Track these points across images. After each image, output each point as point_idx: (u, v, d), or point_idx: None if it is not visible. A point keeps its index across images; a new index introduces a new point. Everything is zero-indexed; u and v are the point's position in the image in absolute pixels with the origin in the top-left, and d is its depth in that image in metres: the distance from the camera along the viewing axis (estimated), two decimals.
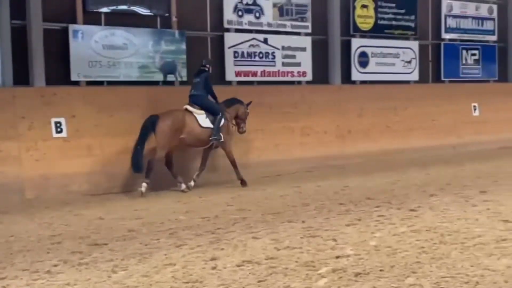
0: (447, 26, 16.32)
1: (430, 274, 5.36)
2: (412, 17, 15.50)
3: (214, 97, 10.83)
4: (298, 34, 13.73)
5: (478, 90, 16.59)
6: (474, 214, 7.94)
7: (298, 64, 13.63)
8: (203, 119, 10.56)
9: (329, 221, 7.82)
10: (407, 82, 15.68)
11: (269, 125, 12.66)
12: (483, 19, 17.03)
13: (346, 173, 12.37)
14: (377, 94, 14.53)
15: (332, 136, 13.59)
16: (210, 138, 10.57)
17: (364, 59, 14.71)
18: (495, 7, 17.29)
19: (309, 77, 13.86)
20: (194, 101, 10.64)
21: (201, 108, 10.63)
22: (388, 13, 15.06)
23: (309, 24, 13.79)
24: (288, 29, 13.53)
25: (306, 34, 13.85)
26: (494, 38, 17.32)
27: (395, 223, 7.53)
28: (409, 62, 15.48)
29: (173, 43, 12.06)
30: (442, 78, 16.37)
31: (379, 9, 14.89)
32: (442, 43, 16.29)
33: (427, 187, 10.35)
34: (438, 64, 16.34)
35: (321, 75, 14.19)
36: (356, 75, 14.65)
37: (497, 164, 13.32)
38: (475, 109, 16.20)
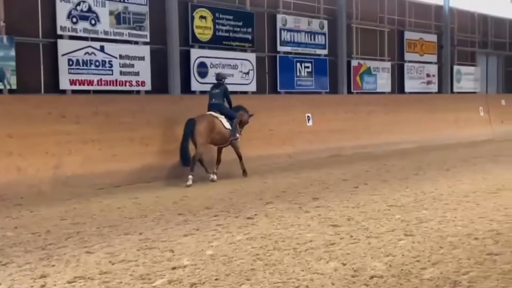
0: (282, 39, 17.00)
1: (263, 281, 5.47)
2: (249, 30, 15.94)
3: (230, 105, 13.11)
4: (136, 43, 13.53)
5: (311, 101, 17.40)
6: (307, 220, 8.27)
7: (137, 74, 13.44)
8: (226, 122, 12.75)
9: (167, 232, 7.73)
10: (245, 92, 16.06)
11: (106, 135, 12.29)
12: (315, 33, 17.95)
13: (185, 183, 12.33)
14: None
15: (172, 145, 13.47)
16: (231, 138, 12.90)
17: (203, 70, 14.85)
18: (325, 22, 18.32)
19: (148, 86, 13.70)
20: (215, 108, 12.77)
21: (221, 114, 12.72)
22: (226, 25, 15.36)
23: (147, 33, 13.66)
24: (126, 38, 13.30)
25: (145, 43, 13.71)
26: (325, 51, 18.31)
27: (232, 232, 7.62)
28: (247, 73, 15.88)
29: (1, 49, 11.33)
30: (278, 89, 17.00)
31: (217, 21, 15.14)
32: (278, 55, 16.93)
33: (264, 195, 10.61)
34: (274, 75, 16.95)
35: (160, 85, 14.10)
36: (195, 85, 14.74)
37: (328, 171, 14.02)
38: (308, 119, 16.95)
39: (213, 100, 12.87)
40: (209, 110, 12.80)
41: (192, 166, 12.18)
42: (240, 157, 13.26)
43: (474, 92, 24.97)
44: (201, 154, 12.57)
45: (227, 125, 12.83)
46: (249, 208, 9.31)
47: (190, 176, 12.00)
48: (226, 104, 13.04)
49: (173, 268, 5.95)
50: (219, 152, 13.19)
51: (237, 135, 13.09)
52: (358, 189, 11.14)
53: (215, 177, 12.75)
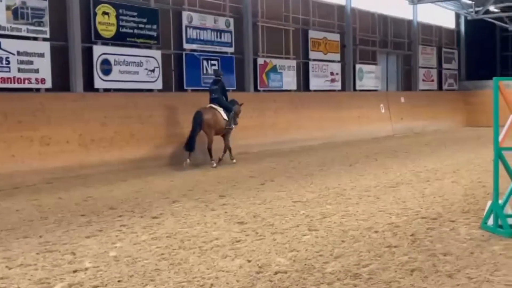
0: (188, 36, 16.87)
1: (168, 281, 5.42)
2: (154, 27, 15.71)
3: (227, 99, 15.11)
4: (36, 39, 13.02)
5: None
6: (213, 218, 8.26)
7: (36, 71, 12.92)
8: (224, 114, 14.76)
9: (69, 234, 7.51)
10: (151, 90, 15.83)
11: (4, 135, 11.78)
12: (221, 31, 17.95)
13: (90, 183, 12.02)
14: (121, 102, 14.44)
15: (74, 145, 13.12)
16: (227, 127, 14.89)
17: (107, 67, 14.49)
18: (231, 20, 18.35)
19: (48, 84, 13.22)
20: (215, 101, 14.79)
21: (220, 106, 14.74)
22: (130, 22, 15.05)
23: (47, 29, 13.16)
24: (24, 34, 12.75)
25: (44, 40, 13.20)
26: (231, 49, 18.35)
27: (136, 232, 7.50)
28: (153, 71, 15.64)
29: None
30: (185, 87, 16.87)
31: (121, 17, 14.81)
32: (184, 53, 16.80)
33: (170, 194, 10.52)
34: (180, 73, 16.81)
35: (62, 82, 13.64)
36: (99, 83, 14.37)
37: (236, 168, 14.10)
38: None
39: (213, 95, 14.85)
40: (210, 103, 14.80)
41: (210, 155, 14.54)
42: (228, 147, 15.19)
43: (376, 90, 25.82)
44: (211, 143, 14.56)
45: (225, 116, 14.80)
46: (155, 208, 9.20)
47: (213, 161, 14.45)
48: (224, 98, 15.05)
49: (74, 271, 5.78)
50: (225, 139, 15.23)
51: (233, 125, 15.14)
52: (264, 186, 11.26)
53: (214, 164, 14.49)
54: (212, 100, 14.87)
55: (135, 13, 15.18)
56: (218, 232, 7.40)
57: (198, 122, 14.25)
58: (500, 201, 6.99)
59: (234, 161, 15.11)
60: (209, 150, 14.56)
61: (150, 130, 14.80)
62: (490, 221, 7.09)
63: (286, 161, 15.56)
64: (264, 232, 7.34)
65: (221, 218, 8.30)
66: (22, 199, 10.29)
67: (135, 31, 15.21)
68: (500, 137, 6.88)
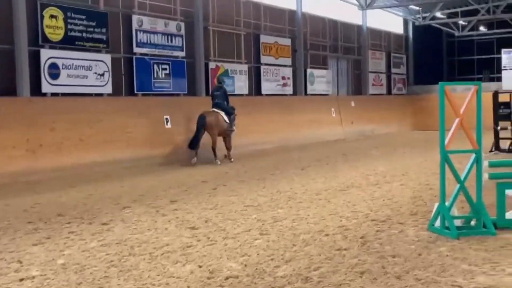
0: (138, 40, 16.72)
1: None
2: (104, 30, 15.51)
3: (228, 103, 16.39)
4: None
5: (169, 103, 17.29)
6: (164, 224, 8.18)
7: None
8: (225, 117, 16.05)
9: (15, 241, 7.32)
10: (101, 94, 15.61)
11: None
12: (172, 35, 17.84)
13: (38, 189, 11.75)
14: (70, 107, 14.20)
15: (21, 150, 12.82)
16: (229, 129, 16.25)
17: (55, 71, 14.23)
18: (182, 24, 18.27)
19: None
20: (218, 106, 16.08)
21: (222, 110, 16.03)
22: (78, 25, 14.82)
23: None
24: None
25: None
26: (182, 53, 18.26)
27: (85, 239, 7.36)
28: (102, 75, 15.43)
29: None
30: (135, 91, 16.70)
31: (69, 20, 14.56)
32: (134, 57, 16.63)
33: (121, 200, 10.36)
34: (131, 77, 16.63)
35: (7, 86, 13.31)
36: (46, 87, 14.09)
37: (187, 173, 14.00)
38: (167, 121, 16.82)
39: (216, 100, 16.15)
40: (212, 108, 16.07)
41: (214, 154, 15.82)
42: (229, 148, 16.53)
43: (326, 94, 26.09)
44: (215, 143, 15.84)
45: (226, 119, 16.08)
46: (104, 214, 9.05)
47: (217, 161, 15.70)
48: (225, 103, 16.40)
49: (21, 280, 5.64)
50: (226, 141, 16.51)
51: (234, 127, 16.45)
52: (216, 191, 11.22)
53: (219, 162, 15.76)
54: (214, 105, 16.14)
55: (83, 17, 14.95)
56: (169, 238, 7.33)
57: (201, 124, 15.48)
58: (447, 203, 7.14)
59: (232, 160, 16.34)
60: (214, 149, 15.81)
61: (99, 134, 14.58)
62: (437, 223, 7.24)
63: (239, 165, 15.55)
64: (215, 237, 7.31)
65: (172, 223, 8.23)
66: None
67: (84, 34, 14.98)
68: (446, 141, 7.03)
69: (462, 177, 7.19)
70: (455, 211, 7.36)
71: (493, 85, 27.35)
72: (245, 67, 21.08)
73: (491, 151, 16.42)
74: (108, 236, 7.48)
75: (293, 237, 7.21)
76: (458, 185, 7.21)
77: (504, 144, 17.01)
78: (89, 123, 14.42)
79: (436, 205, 7.33)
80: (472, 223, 7.29)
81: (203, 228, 7.89)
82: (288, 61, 23.42)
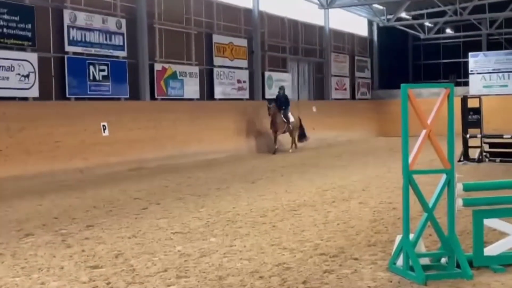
0: (71, 38, 14.97)
1: None
2: (29, 26, 13.74)
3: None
4: None
5: (108, 108, 15.58)
6: (63, 260, 6.56)
7: None
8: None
9: None
10: (25, 98, 13.81)
11: None
12: (111, 33, 16.13)
13: None
14: None
15: None
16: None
17: None
18: (123, 21, 16.59)
19: None
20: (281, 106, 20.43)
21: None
22: None
23: None
24: None
25: None
26: (123, 53, 16.58)
27: None
28: (27, 76, 13.66)
29: None
30: (68, 95, 14.94)
31: None
32: (66, 56, 14.88)
33: (28, 223, 8.74)
34: (62, 79, 14.87)
35: None
36: None
37: (122, 188, 12.34)
38: (104, 129, 15.10)
39: (278, 102, 20.89)
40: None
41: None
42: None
43: None
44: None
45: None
46: None
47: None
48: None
49: None
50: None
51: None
52: (146, 211, 9.64)
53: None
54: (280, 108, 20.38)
55: (4, 10, 13.20)
56: (58, 283, 5.72)
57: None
58: (411, 237, 5.64)
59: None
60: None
61: (21, 145, 12.79)
62: (400, 261, 5.73)
63: (183, 177, 13.98)
64: (118, 282, 5.71)
65: (73, 259, 6.60)
66: None
67: (5, 30, 13.22)
68: (410, 159, 5.52)
69: (430, 204, 5.70)
70: (422, 247, 5.88)
71: (460, 90, 26.29)
72: (196, 69, 19.47)
73: (459, 160, 15.10)
74: None
75: (217, 282, 5.65)
76: (425, 214, 5.71)
77: (473, 154, 15.72)
78: (8, 131, 12.61)
79: (398, 238, 5.82)
80: (443, 261, 5.81)
81: (109, 266, 6.27)
82: (244, 63, 21.90)
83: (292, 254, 6.62)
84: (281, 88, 21.23)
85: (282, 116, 20.36)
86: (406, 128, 5.55)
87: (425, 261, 5.75)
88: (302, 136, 21.60)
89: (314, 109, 25.50)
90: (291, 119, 20.72)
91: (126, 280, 5.78)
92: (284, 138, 21.51)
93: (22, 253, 6.95)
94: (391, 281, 5.52)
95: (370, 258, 6.35)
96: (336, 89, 28.87)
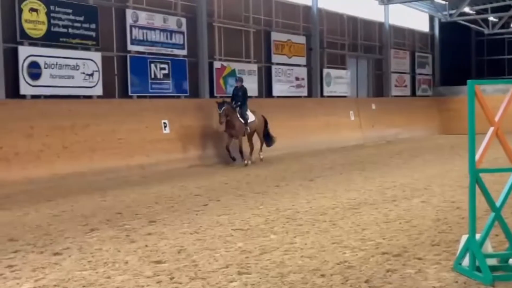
0: (133, 37, 15.25)
1: None
2: (93, 26, 14.07)
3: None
4: None
5: (168, 106, 15.80)
6: (127, 255, 6.69)
7: None
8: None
9: None
10: (89, 97, 14.16)
11: None
12: (172, 32, 16.35)
13: (7, 204, 10.35)
14: (52, 110, 12.78)
15: None
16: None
17: (35, 70, 12.83)
18: (184, 20, 16.77)
19: None
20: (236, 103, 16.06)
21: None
22: (63, 20, 13.41)
23: None
24: None
25: None
26: (184, 52, 16.77)
27: (21, 277, 5.92)
28: (91, 75, 13.99)
29: None
30: (130, 93, 15.23)
31: (52, 15, 13.17)
32: (128, 55, 15.17)
33: (92, 219, 8.93)
34: (125, 78, 15.17)
35: None
36: (26, 89, 12.71)
37: (182, 184, 12.50)
38: (165, 126, 15.33)
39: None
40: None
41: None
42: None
43: (345, 96, 24.43)
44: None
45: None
46: (64, 239, 7.60)
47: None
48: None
49: None
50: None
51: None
52: (206, 208, 9.73)
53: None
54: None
55: (69, 11, 13.55)
56: (123, 278, 5.82)
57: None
58: (478, 236, 5.50)
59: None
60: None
61: (86, 141, 13.12)
62: (466, 262, 5.59)
63: (242, 174, 14.03)
64: (181, 277, 5.78)
65: (137, 254, 6.72)
66: None
67: (70, 30, 13.57)
68: (477, 157, 5.38)
69: (498, 203, 5.54)
70: (488, 247, 5.71)
71: None
72: (254, 67, 19.52)
73: None
74: (51, 274, 6.01)
75: (279, 279, 5.64)
76: (492, 214, 5.55)
77: None
78: (74, 128, 12.95)
79: (464, 238, 5.68)
80: (511, 262, 5.63)
81: (172, 262, 6.36)
82: (303, 61, 21.81)
83: (353, 252, 6.56)
84: (239, 80, 16.52)
85: (238, 115, 15.79)
86: (473, 126, 5.40)
87: (492, 262, 5.59)
88: (268, 139, 16.90)
89: (373, 107, 25.18)
90: (250, 118, 16.14)
91: (189, 275, 5.85)
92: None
93: (88, 247, 7.12)
94: (456, 282, 5.39)
95: (434, 258, 6.22)
96: (396, 86, 28.41)
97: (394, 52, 28.27)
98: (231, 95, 16.38)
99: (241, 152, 15.80)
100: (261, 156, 16.50)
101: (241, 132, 15.86)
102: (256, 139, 16.75)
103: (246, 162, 15.75)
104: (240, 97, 15.87)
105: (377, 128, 24.33)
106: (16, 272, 6.11)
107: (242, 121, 15.80)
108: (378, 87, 27.44)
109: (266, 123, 16.79)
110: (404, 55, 29.23)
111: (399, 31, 28.79)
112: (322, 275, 5.73)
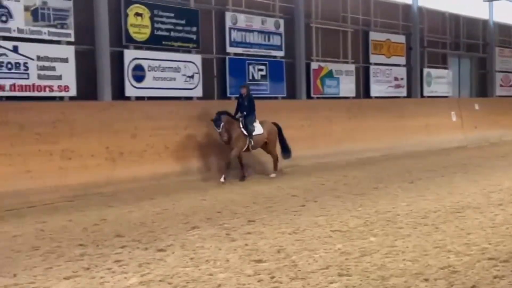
0: (232, 39, 15.51)
1: None
2: (194, 29, 14.43)
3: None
4: (58, 42, 11.95)
5: (265, 107, 15.88)
6: (228, 253, 6.82)
7: (59, 77, 11.86)
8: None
9: (49, 272, 6.23)
10: (190, 98, 14.52)
11: (18, 148, 10.70)
12: (269, 33, 16.48)
13: (113, 201, 10.79)
14: (155, 111, 13.16)
15: (100, 159, 11.91)
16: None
17: (139, 73, 13.32)
18: (281, 21, 16.87)
19: (72, 92, 12.15)
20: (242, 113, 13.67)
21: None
22: (166, 23, 13.85)
23: (71, 31, 12.11)
24: (45, 37, 11.72)
25: (68, 43, 12.13)
26: (281, 53, 16.87)
27: (128, 272, 6.16)
28: (192, 77, 14.35)
29: None
30: (228, 95, 15.49)
31: (156, 19, 13.62)
32: (227, 57, 15.44)
33: (193, 217, 9.14)
34: (223, 79, 15.45)
35: (88, 90, 12.54)
36: (130, 91, 13.20)
37: (278, 185, 12.55)
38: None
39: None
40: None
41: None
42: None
43: (446, 96, 23.70)
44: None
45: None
46: (167, 236, 7.84)
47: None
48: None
49: None
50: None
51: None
52: (304, 208, 9.72)
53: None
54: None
55: (172, 14, 13.96)
56: (225, 275, 5.93)
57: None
58: None
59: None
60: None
61: (186, 142, 13.44)
62: None
63: (339, 176, 13.90)
64: (281, 277, 5.82)
65: (237, 252, 6.83)
66: (29, 222, 9.14)
67: (172, 33, 13.98)
68: None
69: None
70: None
71: None
72: (351, 67, 19.33)
73: None
74: (156, 269, 6.21)
75: (380, 282, 5.56)
76: None
77: None
78: (175, 129, 13.30)
79: None
80: None
81: (272, 261, 6.41)
82: (402, 60, 21.38)
83: (458, 257, 6.35)
84: (245, 86, 13.80)
85: (241, 126, 13.34)
86: None
87: None
88: (286, 151, 14.39)
89: (476, 107, 24.24)
90: (257, 131, 13.64)
91: (289, 275, 5.88)
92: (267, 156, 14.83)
93: (190, 244, 7.30)
94: None
95: None
96: (501, 85, 27.23)
97: (499, 51, 27.11)
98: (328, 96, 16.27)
99: (241, 164, 13.61)
100: (272, 175, 13.81)
101: (239, 145, 13.32)
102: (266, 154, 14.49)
103: (222, 180, 12.84)
104: (246, 106, 13.49)
105: (480, 129, 23.39)
106: (123, 267, 6.36)
107: (245, 133, 13.36)
108: (482, 87, 26.42)
109: (280, 131, 14.31)
110: (510, 53, 27.98)
111: (505, 29, 27.60)
112: (426, 280, 5.59)
